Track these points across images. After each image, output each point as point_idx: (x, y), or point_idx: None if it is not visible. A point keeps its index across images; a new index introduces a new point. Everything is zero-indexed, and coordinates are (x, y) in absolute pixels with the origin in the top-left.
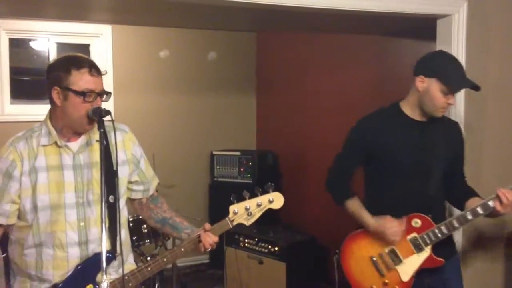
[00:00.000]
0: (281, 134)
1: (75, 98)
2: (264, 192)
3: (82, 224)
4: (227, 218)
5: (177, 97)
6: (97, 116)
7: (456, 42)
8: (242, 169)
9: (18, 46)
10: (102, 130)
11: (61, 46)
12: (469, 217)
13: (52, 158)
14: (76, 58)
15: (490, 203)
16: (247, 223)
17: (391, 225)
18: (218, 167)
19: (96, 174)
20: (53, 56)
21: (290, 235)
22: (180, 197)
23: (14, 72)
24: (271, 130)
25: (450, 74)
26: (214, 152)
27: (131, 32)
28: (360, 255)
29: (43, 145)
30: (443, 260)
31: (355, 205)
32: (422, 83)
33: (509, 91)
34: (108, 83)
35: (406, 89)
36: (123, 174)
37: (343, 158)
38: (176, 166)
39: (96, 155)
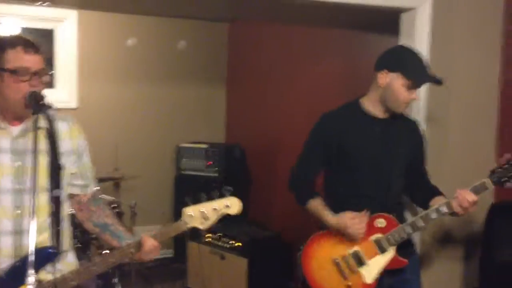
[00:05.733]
0: (250, 128)
1: (9, 77)
2: (222, 195)
3: (18, 212)
4: (181, 221)
5: (145, 87)
6: (33, 100)
7: (420, 36)
8: (209, 163)
9: None
10: (36, 116)
11: (24, 31)
12: (433, 216)
13: None
14: (11, 37)
15: (453, 203)
16: (203, 227)
17: (353, 221)
18: (184, 159)
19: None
20: None
21: (253, 231)
22: (145, 189)
23: None
24: (240, 124)
25: (413, 68)
26: (181, 144)
27: (98, 18)
28: (322, 257)
29: None
30: (406, 260)
31: (317, 204)
32: (385, 78)
33: (473, 85)
34: (72, 70)
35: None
36: (67, 164)
37: (306, 156)
38: (142, 157)
39: (39, 143)
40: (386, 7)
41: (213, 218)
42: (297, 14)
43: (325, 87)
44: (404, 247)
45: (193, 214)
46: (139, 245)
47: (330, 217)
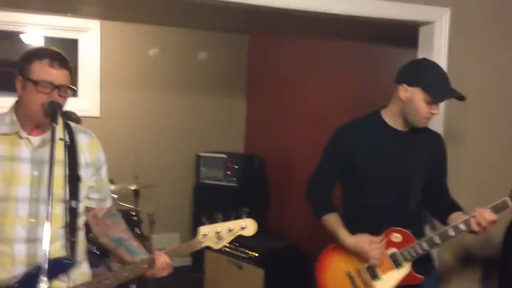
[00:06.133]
0: (269, 138)
1: (31, 87)
2: (238, 217)
3: (32, 220)
4: (195, 239)
5: (165, 96)
6: (51, 109)
7: (438, 50)
8: (228, 172)
9: (6, 38)
10: (54, 125)
11: (48, 40)
12: (451, 233)
13: (9, 148)
14: (41, 49)
15: (471, 221)
16: (216, 246)
17: (370, 248)
18: (203, 168)
19: (55, 172)
20: None
21: (271, 241)
22: (164, 198)
23: (1, 64)
24: (259, 134)
25: (435, 83)
26: (200, 154)
27: (121, 28)
28: (336, 269)
29: (3, 134)
30: (422, 277)
31: (332, 221)
32: (405, 92)
33: (491, 99)
34: (95, 79)
35: (389, 96)
36: (86, 176)
37: (322, 168)
38: (161, 166)
39: (57, 153)
40: (404, 20)
41: (227, 238)
42: (315, 28)
43: (343, 98)
44: (422, 263)
45: (208, 234)
46: (152, 262)
47: (346, 237)
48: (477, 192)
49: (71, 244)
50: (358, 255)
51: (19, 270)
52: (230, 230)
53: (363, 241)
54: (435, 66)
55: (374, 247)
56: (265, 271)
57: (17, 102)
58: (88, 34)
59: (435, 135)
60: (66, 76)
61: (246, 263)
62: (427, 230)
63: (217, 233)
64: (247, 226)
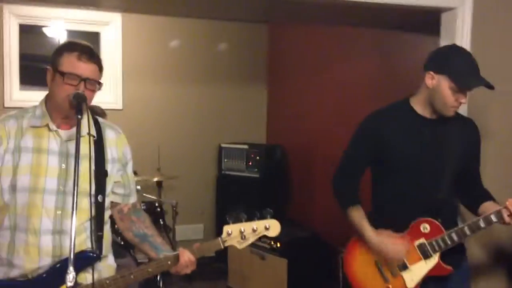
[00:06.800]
0: (291, 128)
1: (59, 79)
2: (262, 217)
3: (59, 212)
4: (219, 238)
5: (187, 88)
6: (75, 101)
7: (460, 36)
8: (250, 163)
9: (29, 32)
10: (79, 117)
11: (71, 34)
12: (482, 224)
13: (39, 141)
14: (72, 43)
15: (504, 212)
16: (239, 246)
17: (394, 247)
18: (225, 159)
19: (82, 166)
20: None
21: (293, 232)
22: (187, 189)
23: (25, 58)
24: (281, 124)
25: (462, 70)
26: (222, 145)
27: (141, 20)
28: (364, 258)
29: (33, 126)
30: (451, 268)
31: (357, 215)
32: (431, 79)
33: None
34: (117, 72)
35: (411, 84)
36: (112, 172)
37: (349, 157)
38: (184, 157)
39: (85, 147)
40: (426, 6)
41: (251, 239)
42: (336, 15)
43: (366, 87)
44: (452, 254)
45: (232, 233)
46: (176, 259)
47: (370, 234)
48: (498, 180)
49: (97, 237)
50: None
51: (45, 261)
52: (254, 230)
53: (387, 240)
54: (463, 53)
55: (398, 247)
56: (288, 261)
57: (47, 95)
58: (110, 27)
59: (468, 121)
60: (94, 70)
61: (269, 253)
62: (460, 222)
63: (241, 233)
64: (271, 227)
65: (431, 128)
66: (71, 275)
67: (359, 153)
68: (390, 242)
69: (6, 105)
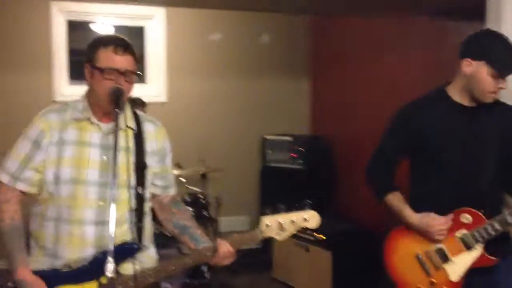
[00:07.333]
0: (335, 119)
1: (98, 75)
2: (301, 209)
3: (101, 203)
4: (257, 230)
5: (230, 80)
6: (114, 96)
7: (506, 22)
8: (294, 155)
9: (78, 28)
10: (118, 111)
11: (116, 29)
12: None
13: (82, 134)
14: (105, 37)
15: None
16: (279, 238)
17: (436, 223)
18: (269, 151)
19: (122, 158)
20: None
21: (338, 224)
22: (231, 181)
23: (73, 53)
24: (325, 115)
25: (500, 56)
26: (266, 137)
27: (184, 14)
28: (404, 252)
29: (75, 119)
30: (496, 259)
31: (397, 200)
32: (469, 66)
33: None
34: (161, 65)
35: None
36: (151, 164)
37: (385, 147)
38: (228, 149)
39: (125, 141)
40: None
41: (290, 230)
42: (380, 4)
43: (412, 76)
44: (497, 244)
45: (270, 224)
46: (215, 250)
47: (411, 214)
48: None
49: (138, 229)
50: (424, 235)
51: (88, 251)
52: (292, 222)
53: (429, 218)
54: (500, 38)
55: (440, 222)
56: (332, 254)
57: (88, 89)
58: (153, 21)
59: (508, 108)
60: (131, 61)
61: (313, 245)
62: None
63: (280, 224)
64: (310, 218)
65: (470, 116)
66: (111, 265)
67: (391, 143)
68: (431, 220)
69: (57, 99)
